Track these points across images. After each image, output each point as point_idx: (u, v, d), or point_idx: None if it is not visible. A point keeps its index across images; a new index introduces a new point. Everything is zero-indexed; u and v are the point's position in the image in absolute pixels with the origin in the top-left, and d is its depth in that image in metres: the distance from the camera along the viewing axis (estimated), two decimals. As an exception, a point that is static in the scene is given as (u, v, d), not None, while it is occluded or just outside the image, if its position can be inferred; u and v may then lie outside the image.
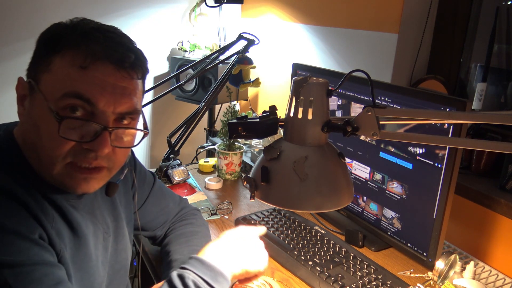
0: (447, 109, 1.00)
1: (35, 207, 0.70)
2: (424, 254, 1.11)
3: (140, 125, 0.80)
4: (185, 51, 2.22)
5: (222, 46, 2.01)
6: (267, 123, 0.69)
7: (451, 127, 1.01)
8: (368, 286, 1.04)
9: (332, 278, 1.05)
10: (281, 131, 0.70)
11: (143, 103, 0.83)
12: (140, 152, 2.39)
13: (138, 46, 0.78)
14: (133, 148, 0.95)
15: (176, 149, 1.66)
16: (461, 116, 0.67)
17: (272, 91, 2.31)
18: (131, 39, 0.78)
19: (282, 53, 2.18)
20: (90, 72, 0.71)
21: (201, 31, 2.34)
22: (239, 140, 1.70)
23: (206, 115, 2.24)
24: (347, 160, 1.30)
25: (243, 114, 1.54)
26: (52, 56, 0.72)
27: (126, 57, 0.74)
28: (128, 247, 0.97)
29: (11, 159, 0.74)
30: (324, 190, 0.66)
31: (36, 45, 0.75)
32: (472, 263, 1.10)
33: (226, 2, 2.23)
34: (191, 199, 1.48)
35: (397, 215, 1.18)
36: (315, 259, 1.12)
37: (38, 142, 0.72)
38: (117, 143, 0.76)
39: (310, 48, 1.96)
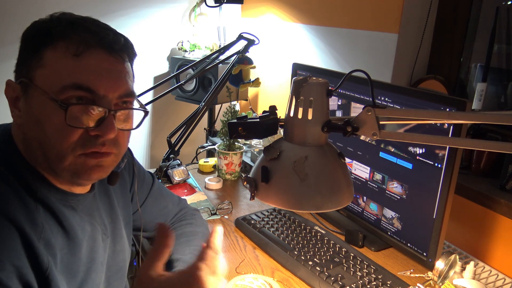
0: (447, 109, 1.00)
1: (23, 222, 0.68)
2: (424, 254, 1.11)
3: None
4: (185, 51, 2.22)
5: (222, 46, 2.01)
6: (267, 123, 0.69)
7: (451, 127, 1.01)
8: (368, 286, 1.04)
9: (332, 278, 1.05)
10: (281, 131, 0.70)
11: (144, 102, 0.83)
12: (140, 152, 2.39)
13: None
14: (133, 149, 0.95)
15: (176, 149, 1.66)
16: (461, 116, 0.67)
17: (272, 91, 2.31)
18: (112, 28, 0.79)
19: (282, 53, 2.18)
20: (84, 59, 0.71)
21: (201, 31, 2.34)
22: (239, 140, 1.70)
23: (206, 115, 2.24)
24: (347, 160, 1.30)
25: (243, 114, 1.54)
26: (43, 50, 0.71)
27: (116, 41, 0.75)
28: (126, 248, 0.97)
29: (9, 162, 0.74)
30: (324, 190, 0.66)
31: (21, 44, 0.75)
32: (472, 263, 1.10)
33: (226, 2, 2.23)
34: (191, 199, 1.48)
35: (397, 215, 1.18)
36: (315, 259, 1.12)
37: (43, 139, 0.72)
38: (120, 126, 0.76)
39: (310, 48, 1.96)
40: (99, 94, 0.72)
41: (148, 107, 2.31)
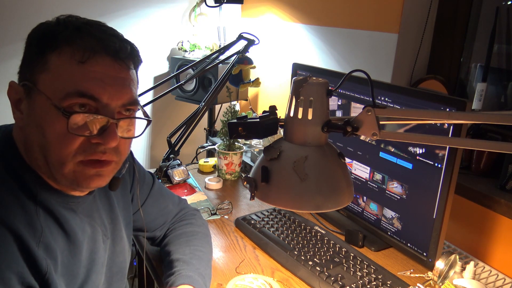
0: (447, 109, 1.00)
1: (21, 227, 0.68)
2: (424, 254, 1.11)
3: (140, 115, 0.81)
4: (185, 51, 2.22)
5: (222, 46, 2.01)
6: (267, 123, 0.69)
7: (451, 127, 1.01)
8: (368, 286, 1.04)
9: (332, 278, 1.05)
10: (281, 131, 0.70)
11: (143, 102, 0.83)
12: (140, 152, 2.39)
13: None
14: (133, 149, 0.95)
15: (176, 149, 1.66)
16: (461, 116, 0.67)
17: (272, 91, 2.31)
18: (119, 32, 0.78)
19: (282, 53, 2.18)
20: (89, 66, 0.71)
21: (201, 31, 2.34)
22: (239, 140, 1.70)
23: (206, 115, 2.24)
24: (347, 160, 1.30)
25: (243, 114, 1.54)
26: (48, 54, 0.71)
27: (123, 48, 0.74)
28: (126, 249, 0.97)
29: (9, 164, 0.74)
30: (324, 190, 0.66)
31: (26, 46, 0.74)
32: (472, 263, 1.10)
33: (226, 2, 2.23)
34: (191, 199, 1.48)
35: (397, 215, 1.18)
36: (315, 259, 1.12)
37: (44, 144, 0.71)
38: (122, 134, 0.76)
39: (310, 48, 1.96)
40: (103, 102, 0.71)
41: (148, 107, 2.32)
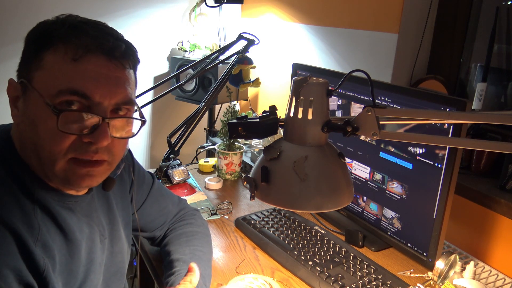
0: (447, 109, 1.00)
1: (19, 225, 0.68)
2: (424, 254, 1.11)
3: (136, 116, 0.80)
4: (185, 51, 2.22)
5: (222, 46, 2.01)
6: (267, 123, 0.69)
7: (451, 127, 1.01)
8: (368, 286, 1.04)
9: (332, 278, 1.05)
10: (281, 131, 0.70)
11: (143, 102, 0.83)
12: (140, 152, 2.39)
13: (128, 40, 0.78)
14: (133, 149, 0.95)
15: (176, 149, 1.66)
16: (461, 116, 0.67)
17: (272, 91, 2.31)
18: (118, 32, 0.77)
19: (282, 53, 2.18)
20: (82, 64, 0.70)
21: (201, 31, 2.34)
22: (239, 140, 1.70)
23: (206, 115, 2.24)
24: (347, 160, 1.30)
25: (243, 114, 1.54)
26: (43, 52, 0.71)
27: (117, 47, 0.74)
28: (124, 250, 0.97)
29: (7, 162, 0.74)
30: (324, 190, 0.66)
31: (24, 44, 0.75)
32: (472, 263, 1.10)
33: (226, 2, 2.23)
34: (191, 199, 1.48)
35: (397, 215, 1.18)
36: (315, 259, 1.12)
37: (37, 141, 0.71)
38: (115, 134, 0.75)
39: (310, 48, 1.96)
40: (95, 101, 0.71)
41: (148, 107, 2.32)
